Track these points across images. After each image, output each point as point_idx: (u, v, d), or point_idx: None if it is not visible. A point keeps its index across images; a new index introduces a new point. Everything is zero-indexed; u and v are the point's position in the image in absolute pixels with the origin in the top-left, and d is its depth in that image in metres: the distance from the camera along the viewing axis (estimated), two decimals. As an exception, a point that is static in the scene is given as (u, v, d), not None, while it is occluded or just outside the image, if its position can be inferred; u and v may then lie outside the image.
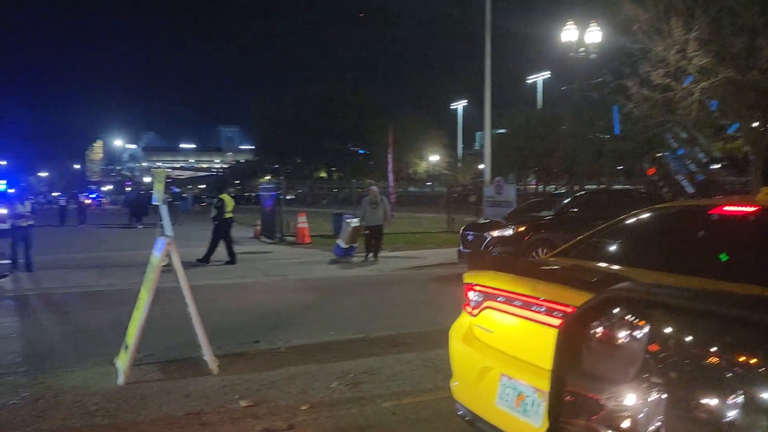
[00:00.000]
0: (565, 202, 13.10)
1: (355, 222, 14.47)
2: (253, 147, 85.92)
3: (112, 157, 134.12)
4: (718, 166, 41.85)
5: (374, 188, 15.07)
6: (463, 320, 3.64)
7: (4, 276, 11.02)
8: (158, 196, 5.62)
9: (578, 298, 2.73)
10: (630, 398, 1.56)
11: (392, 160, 19.40)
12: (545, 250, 11.13)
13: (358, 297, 9.62)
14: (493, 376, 3.14)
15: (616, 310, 1.65)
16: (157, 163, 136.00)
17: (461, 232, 12.74)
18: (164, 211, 5.54)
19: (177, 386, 5.00)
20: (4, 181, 15.82)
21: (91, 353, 6.04)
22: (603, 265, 3.47)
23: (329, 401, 4.69)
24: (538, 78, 59.81)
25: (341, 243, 14.64)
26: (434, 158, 61.81)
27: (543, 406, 2.83)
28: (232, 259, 13.71)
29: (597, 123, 28.67)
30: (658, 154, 22.36)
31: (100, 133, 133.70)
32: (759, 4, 14.06)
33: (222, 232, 13.85)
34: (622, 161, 35.49)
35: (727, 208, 3.55)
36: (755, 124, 17.17)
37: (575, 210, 12.32)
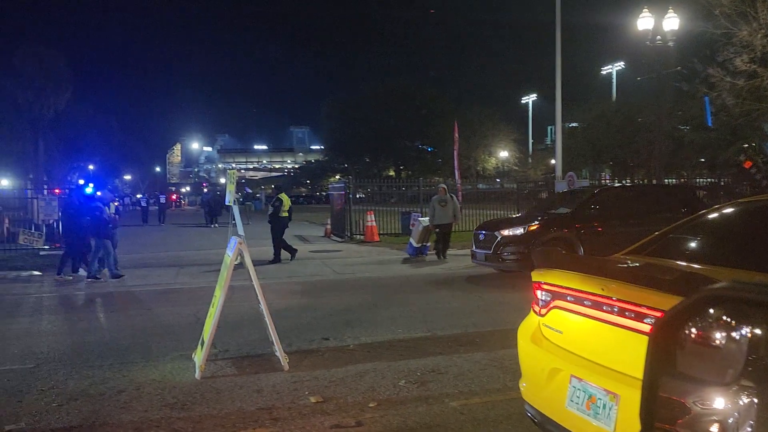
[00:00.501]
0: (583, 198, 12.19)
1: (425, 221, 14.48)
2: (323, 147, 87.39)
3: (189, 160, 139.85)
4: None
5: (443, 186, 14.97)
6: (532, 320, 3.56)
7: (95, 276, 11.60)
8: (230, 196, 5.80)
9: (653, 298, 2.63)
10: (723, 402, 1.52)
11: (458, 156, 19.18)
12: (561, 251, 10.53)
13: (425, 295, 9.60)
14: (562, 378, 3.06)
15: (712, 310, 1.59)
16: (232, 164, 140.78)
17: (474, 231, 12.14)
18: (236, 211, 5.71)
19: (249, 381, 5.14)
20: (92, 185, 16.69)
21: (170, 348, 6.31)
22: (681, 263, 3.31)
23: (397, 399, 4.71)
24: (613, 69, 57.79)
25: (413, 242, 14.69)
26: (503, 154, 60.87)
27: (615, 410, 2.74)
28: (275, 259, 13.88)
29: (676, 114, 27.39)
30: (745, 145, 21.12)
31: (179, 136, 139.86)
32: None
33: (278, 230, 14.10)
34: (704, 153, 33.76)
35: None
36: None
37: (595, 207, 11.49)
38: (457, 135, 19.76)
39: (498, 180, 61.09)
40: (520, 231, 10.88)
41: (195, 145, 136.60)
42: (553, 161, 38.50)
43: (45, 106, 32.93)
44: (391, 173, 67.88)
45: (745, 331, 1.54)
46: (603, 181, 43.97)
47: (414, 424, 4.20)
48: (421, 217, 20.51)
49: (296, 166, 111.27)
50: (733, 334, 1.55)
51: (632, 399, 2.71)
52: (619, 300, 2.79)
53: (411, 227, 20.51)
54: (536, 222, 11.21)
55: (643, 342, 2.72)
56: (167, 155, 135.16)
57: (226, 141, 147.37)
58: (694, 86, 16.17)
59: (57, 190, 18.53)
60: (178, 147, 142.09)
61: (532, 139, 69.18)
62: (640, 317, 2.68)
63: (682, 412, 1.56)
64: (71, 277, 11.67)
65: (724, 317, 1.56)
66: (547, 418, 3.19)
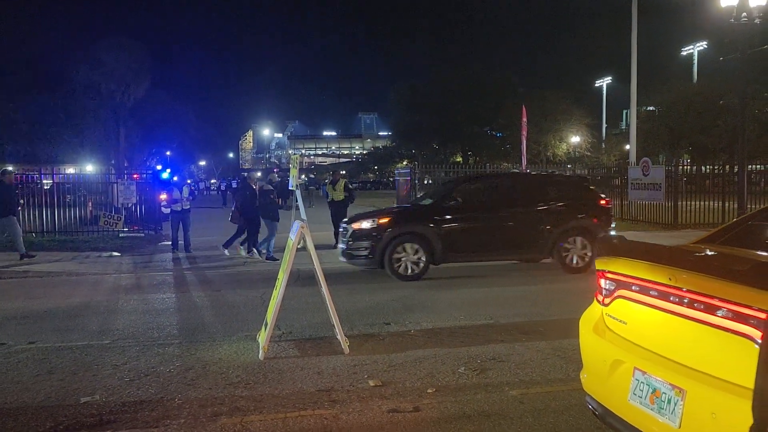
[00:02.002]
0: (446, 188, 11.17)
1: None
2: (390, 133, 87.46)
3: (261, 146, 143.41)
4: None
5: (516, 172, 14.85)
6: (594, 309, 3.45)
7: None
8: (293, 181, 5.88)
9: (726, 289, 2.48)
10: None
11: (526, 141, 18.79)
12: (414, 247, 9.63)
13: (488, 282, 9.48)
14: (625, 370, 2.95)
15: None
16: (301, 150, 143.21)
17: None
18: (299, 195, 5.79)
19: (311, 363, 5.23)
20: (168, 170, 17.38)
21: (236, 329, 6.50)
22: (759, 252, 3.10)
23: (455, 386, 4.68)
24: (694, 49, 54.90)
25: None
26: (575, 139, 59.05)
27: (680, 405, 2.61)
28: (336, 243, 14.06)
29: (762, 96, 25.83)
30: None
31: (252, 123, 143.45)
32: None
33: (334, 215, 14.26)
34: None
35: None
36: None
37: (458, 198, 10.36)
38: (525, 120, 19.31)
39: (569, 166, 59.40)
40: (369, 224, 9.93)
41: (266, 132, 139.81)
42: (627, 147, 37.04)
43: (126, 95, 34.52)
44: (459, 159, 67.24)
45: None
46: (683, 167, 42.14)
47: (472, 412, 4.16)
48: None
49: (364, 152, 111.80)
50: None
51: (699, 394, 2.58)
52: (689, 291, 2.65)
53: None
54: (388, 215, 10.24)
55: (713, 335, 2.58)
56: (240, 142, 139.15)
57: (296, 127, 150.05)
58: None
59: (135, 176, 19.36)
60: (250, 134, 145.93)
61: (606, 123, 66.78)
62: (711, 309, 2.54)
63: None
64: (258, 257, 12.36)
65: None
66: (608, 411, 3.09)
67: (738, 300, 2.42)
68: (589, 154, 57.51)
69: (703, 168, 40.24)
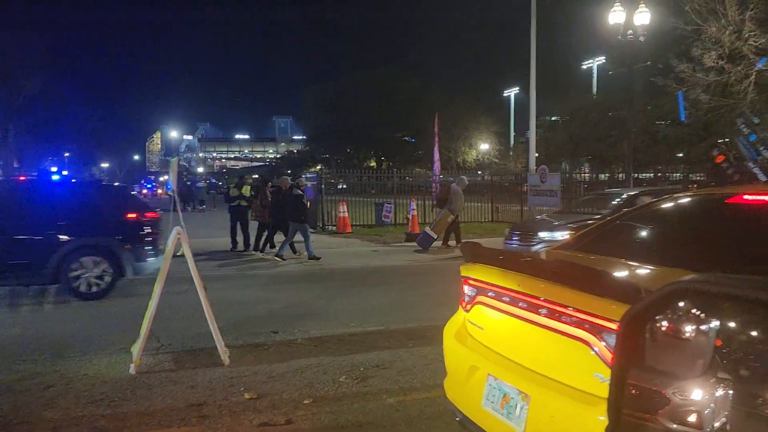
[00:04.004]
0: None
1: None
2: (305, 137, 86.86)
3: (169, 148, 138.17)
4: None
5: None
6: (458, 316, 3.48)
7: None
8: (172, 184, 5.63)
9: (565, 294, 2.54)
10: (694, 394, 1.55)
11: (438, 148, 19.18)
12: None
13: (387, 287, 9.51)
14: (480, 376, 2.98)
15: (681, 303, 1.62)
16: (213, 153, 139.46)
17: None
18: (177, 200, 5.54)
19: (185, 377, 5.01)
20: (56, 170, 16.40)
21: (115, 341, 6.13)
22: (603, 258, 3.22)
23: (334, 395, 4.61)
24: (593, 63, 58.05)
25: (431, 233, 14.44)
26: (484, 146, 60.95)
27: (525, 410, 2.65)
28: (233, 247, 14.03)
29: (646, 109, 27.60)
30: (719, 140, 21.33)
31: (159, 124, 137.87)
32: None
33: (233, 218, 14.08)
34: (678, 148, 34.09)
35: (746, 196, 3.25)
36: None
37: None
38: (437, 128, 19.67)
39: (480, 172, 61.20)
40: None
41: (174, 134, 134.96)
42: (535, 154, 38.59)
43: (13, 91, 32.17)
44: (373, 164, 67.68)
45: (714, 324, 1.55)
46: (583, 175, 44.35)
47: (345, 422, 4.10)
48: (392, 207, 20.48)
49: (278, 156, 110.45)
50: (702, 327, 1.57)
51: (541, 399, 2.63)
52: (534, 297, 2.70)
53: (384, 219, 20.47)
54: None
55: (555, 340, 2.65)
56: (147, 143, 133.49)
57: (207, 130, 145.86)
58: (667, 81, 16.22)
59: (22, 177, 18.08)
60: (158, 135, 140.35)
61: (514, 131, 69.35)
62: (553, 314, 2.60)
63: (660, 403, 1.59)
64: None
65: (693, 310, 1.58)
66: (466, 417, 3.11)
67: (575, 305, 2.48)
68: (497, 160, 59.49)
69: (600, 175, 42.60)
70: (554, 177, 18.21)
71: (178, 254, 5.44)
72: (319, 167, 64.17)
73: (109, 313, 7.65)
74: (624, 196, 11.54)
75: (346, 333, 6.52)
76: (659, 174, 39.29)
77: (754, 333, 1.49)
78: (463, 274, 3.36)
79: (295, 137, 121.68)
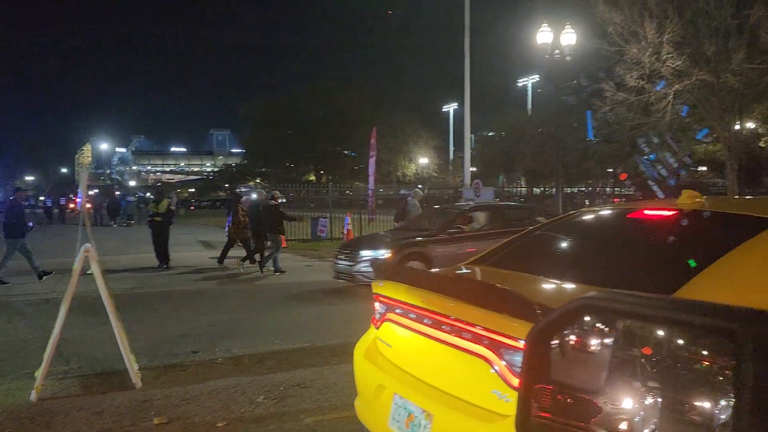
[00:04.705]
0: None
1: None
2: (243, 150, 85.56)
3: (101, 161, 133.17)
4: (704, 168, 41.96)
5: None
6: (370, 333, 3.43)
7: None
8: (82, 197, 5.37)
9: (465, 311, 2.53)
10: (625, 402, 1.60)
11: (374, 162, 19.30)
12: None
13: (317, 303, 9.38)
14: (387, 395, 2.93)
15: (583, 320, 1.66)
16: (147, 167, 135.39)
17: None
18: (85, 215, 5.29)
19: (92, 402, 4.74)
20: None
21: (21, 366, 5.75)
22: (512, 273, 3.24)
23: (250, 417, 4.46)
24: (528, 81, 59.83)
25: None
26: (424, 160, 61.68)
27: (429, 429, 2.62)
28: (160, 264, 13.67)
29: (571, 125, 28.67)
30: (631, 159, 22.38)
31: (90, 137, 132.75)
32: (732, 6, 13.97)
33: (152, 234, 13.72)
34: (607, 164, 35.45)
35: (647, 211, 3.35)
36: (737, 127, 17.10)
37: None
38: (373, 141, 19.75)
39: (419, 186, 61.78)
40: None
41: (104, 146, 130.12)
42: (472, 168, 39.29)
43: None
44: (312, 178, 67.29)
45: (612, 339, 1.60)
46: (520, 189, 45.49)
47: (258, 445, 3.96)
48: (327, 222, 20.34)
49: (215, 170, 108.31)
50: (601, 342, 1.62)
51: (444, 417, 2.59)
52: (437, 313, 2.68)
53: (319, 233, 20.31)
54: None
55: (458, 357, 2.63)
56: (76, 156, 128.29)
57: (141, 142, 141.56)
58: (587, 100, 16.85)
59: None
60: (88, 147, 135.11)
61: (453, 146, 70.50)
62: (455, 331, 2.58)
63: (595, 411, 1.61)
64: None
65: (595, 325, 1.62)
66: (374, 438, 3.05)
67: (475, 322, 2.47)
68: (436, 174, 60.26)
69: (535, 189, 43.73)
70: (488, 191, 18.58)
71: (88, 272, 5.17)
72: (257, 181, 63.33)
73: (18, 335, 7.21)
74: (457, 211, 11.50)
75: (270, 351, 6.37)
76: (590, 188, 40.68)
77: (649, 346, 1.53)
78: (374, 291, 3.32)
79: (234, 150, 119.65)
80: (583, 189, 42.33)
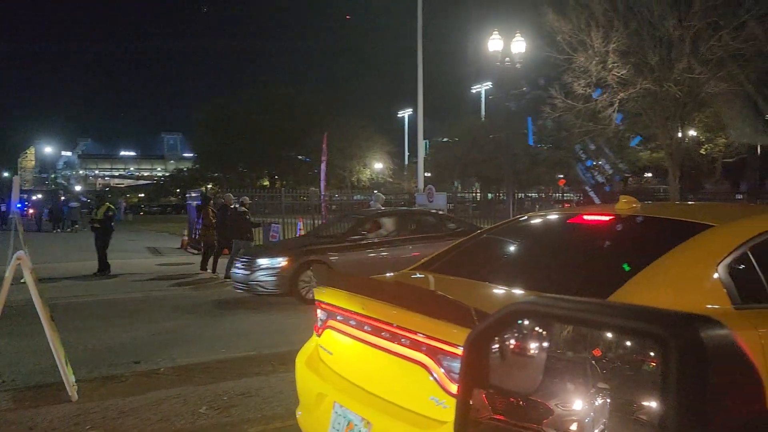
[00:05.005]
0: None
1: None
2: (195, 155, 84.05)
3: (45, 165, 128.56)
4: (649, 174, 43.32)
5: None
6: (312, 341, 3.38)
7: None
8: (14, 203, 5.14)
9: (404, 317, 2.50)
10: (575, 404, 1.64)
11: (326, 167, 19.25)
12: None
13: (266, 310, 9.22)
14: (327, 404, 2.88)
15: (518, 324, 1.68)
16: (95, 171, 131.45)
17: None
18: (18, 222, 5.06)
19: (25, 417, 4.53)
20: None
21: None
22: (454, 278, 3.24)
23: (191, 429, 4.33)
24: (481, 88, 60.69)
25: None
26: (378, 166, 61.84)
27: (368, 438, 2.57)
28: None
29: (522, 132, 29.29)
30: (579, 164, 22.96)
31: (34, 140, 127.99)
32: (674, 18, 14.46)
33: (98, 239, 13.36)
34: (557, 170, 36.25)
35: (586, 217, 3.40)
36: (680, 135, 17.68)
37: None
38: (325, 146, 19.67)
39: (375, 191, 61.77)
40: None
41: (49, 150, 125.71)
42: (427, 174, 39.57)
43: None
44: (266, 183, 66.60)
45: (545, 343, 1.62)
46: (474, 195, 46.05)
47: (198, 457, 3.85)
48: (279, 228, 20.15)
49: (167, 174, 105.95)
50: (535, 345, 1.64)
51: (383, 426, 2.55)
52: (377, 320, 2.64)
53: (271, 239, 20.06)
54: None
55: (397, 364, 2.60)
56: (19, 160, 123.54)
57: (89, 146, 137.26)
58: (529, 107, 17.23)
59: None
60: (32, 151, 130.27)
61: (408, 151, 70.92)
62: (394, 338, 2.55)
63: (547, 413, 1.63)
64: None
65: (530, 330, 1.64)
66: (314, 448, 2.99)
67: (413, 328, 2.45)
68: (391, 180, 60.45)
69: (489, 195, 44.31)
70: (441, 196, 18.71)
71: (21, 281, 4.95)
72: (209, 186, 62.34)
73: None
74: (362, 218, 11.26)
75: (215, 360, 6.22)
76: (542, 194, 41.47)
77: (627, 343, 1.54)
78: (316, 297, 3.27)
79: (186, 155, 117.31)
80: (534, 195, 43.11)
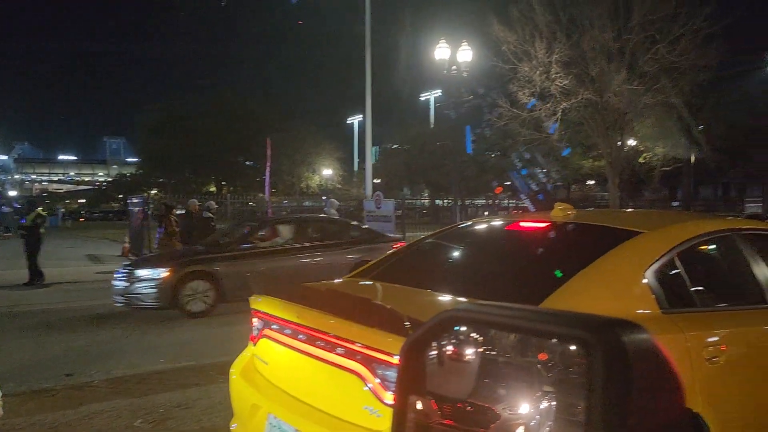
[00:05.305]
0: None
1: None
2: (138, 159, 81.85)
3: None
4: (593, 182, 44.60)
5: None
6: (248, 351, 3.30)
7: None
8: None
9: (339, 326, 2.47)
10: (522, 407, 1.63)
11: (270, 173, 19.07)
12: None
13: (207, 319, 9.01)
14: (262, 415, 2.82)
15: (452, 330, 1.68)
16: (31, 176, 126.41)
17: None
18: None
19: (-58, 435, 4.27)
20: None
21: None
22: (391, 286, 3.23)
23: (124, 443, 4.17)
24: (431, 95, 61.35)
25: None
26: (328, 172, 61.62)
27: (303, 451, 2.52)
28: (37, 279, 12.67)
29: (463, 140, 29.78)
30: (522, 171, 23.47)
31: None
32: (614, 31, 14.95)
33: (27, 246, 12.79)
34: (504, 177, 36.89)
35: (523, 224, 3.45)
36: (619, 143, 18.26)
37: None
38: (269, 151, 19.46)
39: (324, 198, 61.54)
40: None
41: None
42: (376, 180, 39.62)
43: None
44: (212, 189, 65.37)
45: (477, 348, 1.63)
46: (423, 201, 46.46)
47: (129, 473, 3.70)
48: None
49: (109, 180, 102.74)
50: (468, 351, 1.64)
51: (315, 437, 2.52)
52: (312, 329, 2.60)
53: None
54: None
55: (333, 374, 2.56)
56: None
57: (25, 149, 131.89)
58: (463, 114, 17.55)
59: None
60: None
61: (358, 158, 70.95)
62: (329, 347, 2.51)
63: (494, 418, 1.62)
64: None
65: (464, 336, 1.64)
66: (248, 460, 2.92)
67: (348, 337, 2.41)
68: (340, 186, 60.30)
69: (437, 201, 44.67)
70: (389, 203, 18.74)
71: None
72: (153, 191, 60.79)
73: None
74: (255, 225, 10.92)
75: (152, 371, 6.02)
76: (490, 201, 42.15)
77: (572, 347, 1.55)
78: (251, 306, 3.20)
79: (129, 159, 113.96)
80: (482, 201, 43.79)
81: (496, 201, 41.15)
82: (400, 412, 1.77)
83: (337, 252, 10.03)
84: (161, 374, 5.91)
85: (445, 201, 41.05)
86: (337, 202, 16.93)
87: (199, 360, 6.42)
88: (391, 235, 13.44)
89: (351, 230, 11.08)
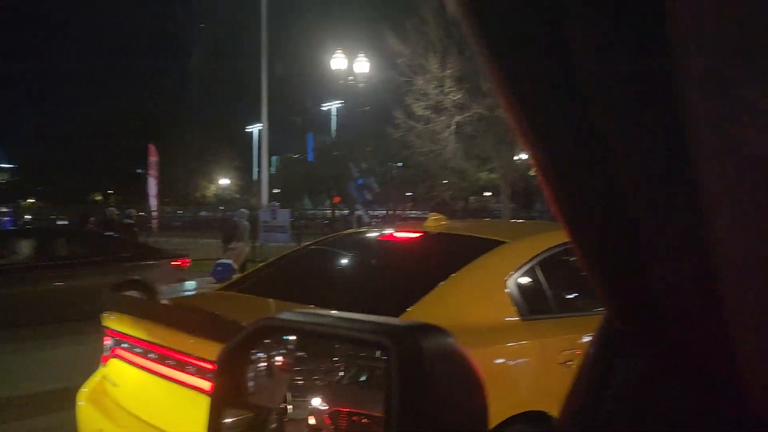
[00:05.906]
0: None
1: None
2: (14, 167, 76.00)
3: None
4: (489, 194, 46.30)
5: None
6: (98, 373, 3.04)
7: None
8: None
9: (185, 342, 2.31)
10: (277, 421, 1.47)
11: (156, 181, 18.38)
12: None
13: (68, 341, 8.26)
14: (107, 443, 2.58)
15: (267, 340, 1.52)
16: None
17: None
18: None
19: None
20: None
21: None
22: (253, 297, 3.09)
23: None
24: (332, 105, 61.38)
25: (234, 264, 12.55)
26: (225, 181, 60.06)
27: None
28: None
29: (364, 150, 30.07)
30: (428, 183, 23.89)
31: None
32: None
33: None
34: (406, 188, 37.39)
35: (396, 234, 3.42)
36: (516, 157, 18.98)
37: None
38: (153, 159, 18.68)
39: (221, 207, 59.75)
40: None
41: None
42: (274, 190, 38.99)
43: None
44: (99, 198, 61.83)
45: (289, 356, 1.52)
46: (330, 211, 46.19)
47: None
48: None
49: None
50: (280, 360, 1.51)
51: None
52: (161, 347, 2.42)
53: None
54: None
55: (184, 393, 2.39)
56: None
57: None
58: (306, 123, 17.79)
59: None
60: None
61: (258, 167, 69.58)
62: (179, 366, 2.34)
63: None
64: None
65: (274, 345, 1.53)
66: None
67: (197, 354, 2.26)
68: (238, 196, 58.84)
69: (337, 211, 44.61)
70: (284, 213, 18.47)
71: None
72: (31, 200, 56.69)
73: None
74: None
75: (19, 395, 5.46)
76: (390, 211, 42.54)
77: (321, 360, 1.61)
78: (103, 324, 2.95)
79: (3, 166, 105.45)
80: (383, 212, 44.15)
81: (396, 211, 41.61)
82: (215, 424, 1.64)
83: (82, 271, 8.75)
84: (24, 398, 5.37)
85: (345, 211, 41.10)
86: (247, 212, 16.60)
87: (74, 382, 5.89)
88: (173, 250, 11.24)
89: (117, 245, 9.90)
